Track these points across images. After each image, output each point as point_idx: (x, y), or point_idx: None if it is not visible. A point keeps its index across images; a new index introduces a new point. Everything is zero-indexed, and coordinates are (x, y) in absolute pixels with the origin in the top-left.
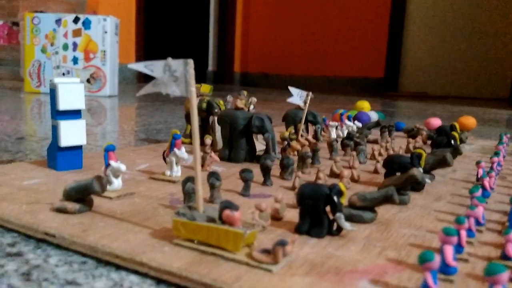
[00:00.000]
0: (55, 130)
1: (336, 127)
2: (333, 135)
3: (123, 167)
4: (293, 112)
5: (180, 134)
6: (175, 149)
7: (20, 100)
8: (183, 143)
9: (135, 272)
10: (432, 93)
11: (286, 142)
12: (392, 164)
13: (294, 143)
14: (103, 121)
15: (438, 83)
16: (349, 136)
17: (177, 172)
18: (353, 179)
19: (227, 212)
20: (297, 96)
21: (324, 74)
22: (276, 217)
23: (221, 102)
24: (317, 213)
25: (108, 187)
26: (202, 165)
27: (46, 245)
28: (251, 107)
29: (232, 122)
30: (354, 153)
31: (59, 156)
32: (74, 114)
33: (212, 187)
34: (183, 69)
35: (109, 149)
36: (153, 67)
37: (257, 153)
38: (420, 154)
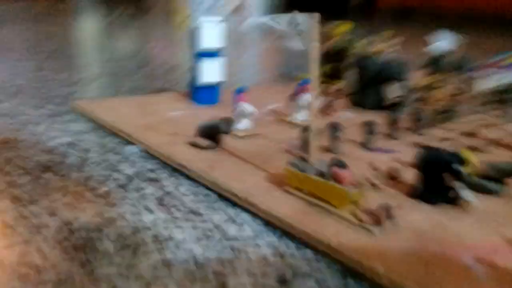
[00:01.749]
0: (195, 67)
1: (490, 77)
2: (486, 85)
3: (250, 109)
4: (439, 56)
5: (309, 79)
6: (302, 94)
7: (173, 31)
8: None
9: (248, 210)
10: None
11: (424, 92)
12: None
13: (436, 93)
14: (244, 55)
15: None
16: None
17: (303, 116)
18: (497, 143)
19: (335, 169)
20: (445, 40)
21: (484, 9)
22: (393, 177)
23: (357, 44)
24: (435, 179)
25: (237, 126)
26: (329, 111)
27: (179, 175)
28: (391, 49)
29: (364, 68)
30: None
31: (197, 92)
32: (214, 52)
33: (332, 137)
34: (308, 23)
35: (240, 91)
36: (279, 20)
37: (389, 102)
38: None
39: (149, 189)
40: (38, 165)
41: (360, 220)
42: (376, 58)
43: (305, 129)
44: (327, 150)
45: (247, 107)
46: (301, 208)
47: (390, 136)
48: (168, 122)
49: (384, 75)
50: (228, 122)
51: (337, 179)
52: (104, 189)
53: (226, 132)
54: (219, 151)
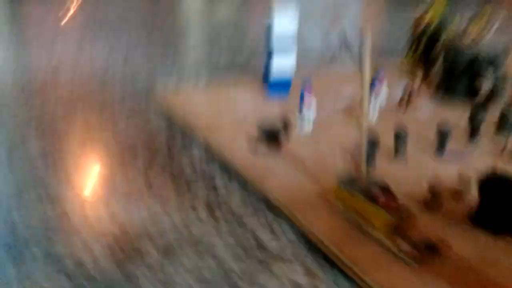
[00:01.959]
0: (268, 62)
1: None
2: None
3: (312, 115)
4: None
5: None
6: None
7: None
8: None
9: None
10: None
11: None
12: None
13: None
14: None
15: None
16: None
17: (373, 117)
18: None
19: (378, 195)
20: None
21: None
22: (455, 194)
23: (450, 28)
24: (499, 206)
25: (299, 129)
26: (407, 104)
27: (232, 177)
28: (493, 28)
29: (453, 57)
30: None
31: (269, 85)
32: (287, 50)
33: (398, 140)
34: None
35: (304, 89)
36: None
37: (480, 96)
38: None
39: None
40: None
41: (400, 250)
42: (468, 48)
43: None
44: (394, 154)
45: (310, 113)
46: (344, 229)
47: (472, 136)
48: (236, 119)
49: (476, 68)
50: (287, 128)
51: (383, 205)
52: None
53: (287, 136)
54: (277, 157)
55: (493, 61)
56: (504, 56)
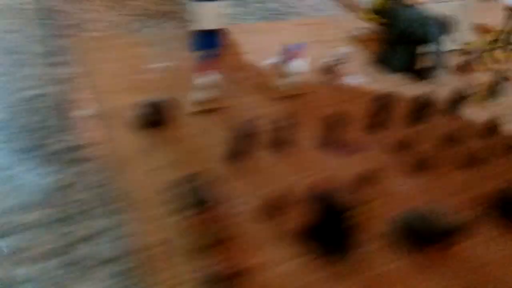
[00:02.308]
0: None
1: None
2: None
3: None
4: None
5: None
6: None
7: None
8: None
9: None
10: None
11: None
12: None
13: (490, 55)
14: None
15: None
16: None
17: (288, 84)
18: None
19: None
20: None
21: None
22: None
23: None
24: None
25: (194, 95)
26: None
27: None
28: None
29: (392, 22)
30: None
31: (194, 38)
32: None
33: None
34: None
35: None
36: None
37: (420, 66)
38: None
39: None
40: None
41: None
42: (407, 11)
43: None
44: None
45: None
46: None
47: (415, 117)
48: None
49: (417, 32)
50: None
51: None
52: None
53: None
54: (156, 138)
55: (425, 33)
56: (443, 27)
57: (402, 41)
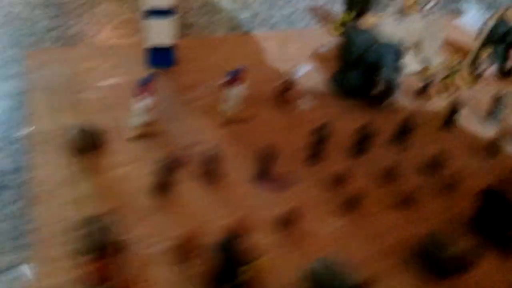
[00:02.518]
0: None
1: None
2: None
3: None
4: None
5: (237, 69)
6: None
7: None
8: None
9: None
10: None
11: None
12: None
13: (452, 80)
14: None
15: None
16: None
17: (231, 109)
18: None
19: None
20: (473, 16)
21: None
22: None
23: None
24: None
25: (132, 120)
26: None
27: None
28: (429, 6)
29: (347, 45)
30: None
31: (150, 54)
32: (164, 12)
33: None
34: None
35: (149, 80)
36: None
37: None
38: None
39: None
40: None
41: None
42: (362, 35)
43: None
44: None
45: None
46: None
47: (358, 149)
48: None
49: (371, 58)
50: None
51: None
52: None
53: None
54: (84, 166)
55: (378, 60)
56: (396, 53)
57: (356, 66)
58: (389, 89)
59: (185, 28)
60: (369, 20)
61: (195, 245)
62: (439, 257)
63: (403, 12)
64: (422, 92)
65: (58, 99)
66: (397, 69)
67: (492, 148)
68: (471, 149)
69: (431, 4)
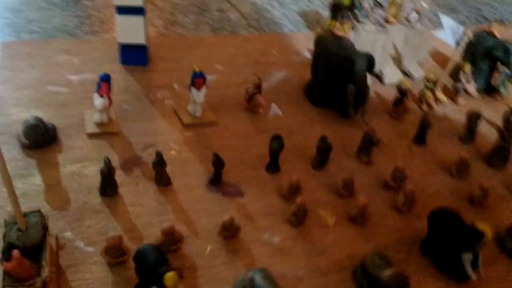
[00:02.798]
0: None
1: None
2: None
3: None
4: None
5: (199, 72)
6: (193, 88)
7: None
8: None
9: None
10: None
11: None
12: None
13: (429, 94)
14: None
15: None
16: None
17: (196, 111)
18: None
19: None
20: (451, 32)
21: None
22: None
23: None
24: None
25: (93, 117)
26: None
27: None
28: (412, 17)
29: (317, 54)
30: None
31: (122, 51)
32: (134, 10)
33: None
34: None
35: (103, 80)
36: None
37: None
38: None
39: None
40: None
41: None
42: (335, 43)
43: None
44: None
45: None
46: None
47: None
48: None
49: (342, 68)
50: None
51: None
52: None
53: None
54: (33, 161)
55: (349, 69)
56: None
57: (326, 74)
58: (360, 100)
59: (170, 25)
60: (345, 28)
61: (124, 248)
62: (377, 277)
63: (386, 21)
64: (398, 104)
65: (26, 92)
66: (366, 79)
67: (460, 168)
68: (439, 168)
69: (414, 15)
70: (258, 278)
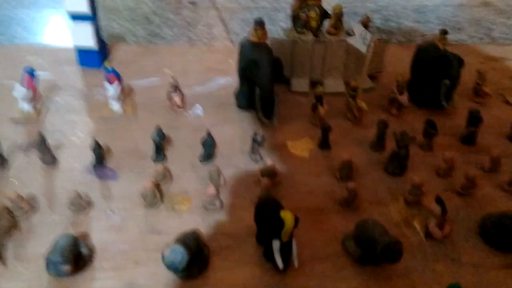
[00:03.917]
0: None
1: None
2: None
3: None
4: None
5: (111, 68)
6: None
7: None
8: None
9: None
10: None
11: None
12: None
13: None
14: None
15: None
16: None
17: (116, 107)
18: None
19: None
20: (360, 37)
21: None
22: None
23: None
24: None
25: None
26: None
27: None
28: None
29: (238, 57)
30: None
31: (78, 54)
32: (84, 17)
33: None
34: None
35: (27, 72)
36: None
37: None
38: None
39: None
40: None
41: None
42: (251, 45)
43: None
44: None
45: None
46: None
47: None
48: None
49: (252, 72)
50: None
51: None
52: None
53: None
54: None
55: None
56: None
57: (242, 78)
58: (268, 104)
59: (152, 37)
60: (258, 34)
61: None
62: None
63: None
64: (314, 109)
65: None
66: (271, 83)
67: (343, 169)
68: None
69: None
70: None
